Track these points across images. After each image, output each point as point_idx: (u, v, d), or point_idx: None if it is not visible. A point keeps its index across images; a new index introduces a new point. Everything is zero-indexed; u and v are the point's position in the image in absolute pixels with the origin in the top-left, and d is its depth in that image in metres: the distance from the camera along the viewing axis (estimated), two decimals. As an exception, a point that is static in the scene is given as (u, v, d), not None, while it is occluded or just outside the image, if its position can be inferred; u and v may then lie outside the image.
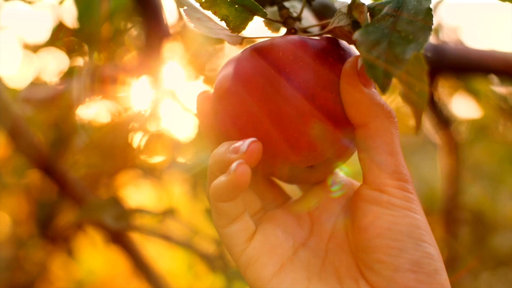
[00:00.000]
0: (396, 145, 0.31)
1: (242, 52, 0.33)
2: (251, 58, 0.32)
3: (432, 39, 0.73)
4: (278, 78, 0.31)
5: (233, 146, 0.30)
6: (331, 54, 0.32)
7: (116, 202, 0.57)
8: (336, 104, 0.31)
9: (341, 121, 0.31)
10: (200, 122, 0.34)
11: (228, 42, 0.34)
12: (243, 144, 0.30)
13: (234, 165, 0.29)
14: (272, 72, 0.31)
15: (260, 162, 0.30)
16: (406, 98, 0.36)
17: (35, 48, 0.70)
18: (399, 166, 0.30)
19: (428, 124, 1.20)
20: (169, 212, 0.60)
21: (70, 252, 0.85)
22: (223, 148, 0.31)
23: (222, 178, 0.30)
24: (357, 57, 0.31)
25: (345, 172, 0.36)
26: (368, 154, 0.31)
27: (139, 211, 0.58)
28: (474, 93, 0.81)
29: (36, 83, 0.68)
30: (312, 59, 0.31)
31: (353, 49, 0.34)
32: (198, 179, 0.68)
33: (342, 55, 0.32)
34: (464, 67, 0.69)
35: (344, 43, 0.33)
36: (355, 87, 0.31)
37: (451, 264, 0.95)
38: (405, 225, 0.29)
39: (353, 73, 0.31)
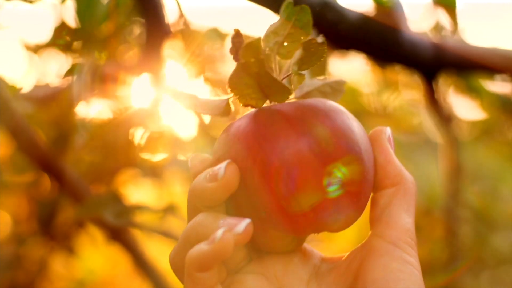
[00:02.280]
0: (414, 207, 0.32)
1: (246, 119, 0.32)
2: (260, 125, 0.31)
3: (433, 37, 0.73)
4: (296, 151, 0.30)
5: (227, 222, 0.29)
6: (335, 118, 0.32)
7: (116, 199, 0.57)
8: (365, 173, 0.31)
9: (367, 189, 0.32)
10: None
11: (215, 115, 0.33)
12: (240, 226, 0.29)
13: (219, 233, 0.28)
14: (287, 146, 0.30)
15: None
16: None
17: (36, 48, 0.70)
18: (413, 225, 0.32)
19: (428, 124, 1.20)
20: (170, 209, 0.60)
21: (71, 250, 0.85)
22: (209, 219, 0.30)
23: (203, 247, 0.29)
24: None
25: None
26: (389, 211, 0.32)
27: (140, 207, 0.58)
28: (475, 91, 0.81)
29: (37, 82, 0.68)
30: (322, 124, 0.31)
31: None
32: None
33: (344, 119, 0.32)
34: (465, 64, 0.69)
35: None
36: (388, 149, 0.33)
37: (451, 262, 0.95)
38: (411, 282, 0.30)
39: (385, 136, 0.33)
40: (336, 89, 0.37)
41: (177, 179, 0.74)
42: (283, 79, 0.33)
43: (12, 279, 0.84)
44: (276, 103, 0.32)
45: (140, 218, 0.62)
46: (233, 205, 0.31)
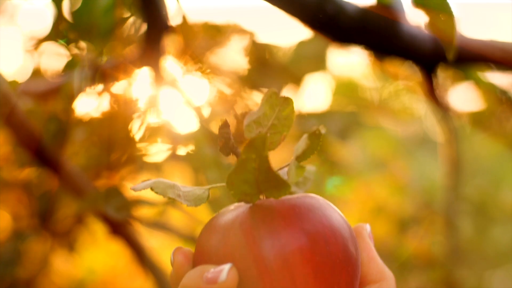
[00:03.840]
0: None
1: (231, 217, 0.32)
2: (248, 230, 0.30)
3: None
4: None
5: None
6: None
7: (117, 193, 0.57)
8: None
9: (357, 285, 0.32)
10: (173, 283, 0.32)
11: (191, 205, 0.33)
12: None
13: None
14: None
15: None
16: (433, 28, 0.36)
17: (36, 43, 0.70)
18: None
19: (428, 122, 1.20)
20: (170, 203, 0.60)
21: (71, 247, 0.85)
22: None
23: None
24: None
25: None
26: None
27: (141, 201, 0.58)
28: (474, 83, 0.82)
29: (36, 76, 0.68)
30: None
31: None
32: (199, 171, 0.68)
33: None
34: (464, 57, 0.69)
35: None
36: (370, 246, 0.34)
37: (451, 256, 0.96)
38: None
39: (366, 233, 0.34)
40: (307, 178, 0.38)
41: (176, 173, 0.75)
42: (278, 170, 0.33)
43: (13, 277, 0.84)
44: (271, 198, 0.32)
45: (141, 212, 0.62)
46: None
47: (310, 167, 0.38)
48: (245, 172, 0.30)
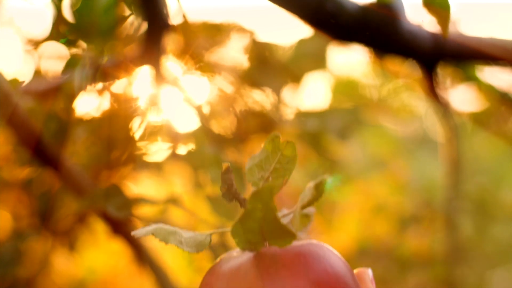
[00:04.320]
0: None
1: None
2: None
3: (431, 28, 0.73)
4: None
5: None
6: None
7: (118, 191, 0.57)
8: None
9: None
10: None
11: (193, 252, 0.33)
12: None
13: None
14: None
15: None
16: (428, 7, 0.36)
17: (36, 43, 0.70)
18: None
19: (428, 121, 1.21)
20: (171, 201, 0.60)
21: (72, 247, 0.85)
22: None
23: None
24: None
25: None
26: None
27: (142, 200, 0.58)
28: (474, 83, 0.82)
29: (36, 75, 0.68)
30: None
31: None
32: (200, 170, 0.68)
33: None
34: (464, 54, 0.69)
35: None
36: None
37: (452, 254, 0.96)
38: None
39: (368, 277, 0.35)
40: (309, 219, 0.38)
41: (177, 172, 0.75)
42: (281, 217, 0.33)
43: (13, 276, 0.83)
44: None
45: (142, 211, 0.62)
46: None
47: (311, 208, 0.38)
48: (250, 222, 0.30)
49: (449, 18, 0.36)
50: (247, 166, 0.34)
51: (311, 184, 0.32)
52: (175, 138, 0.69)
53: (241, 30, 0.76)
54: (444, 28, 0.36)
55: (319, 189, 0.32)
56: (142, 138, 0.67)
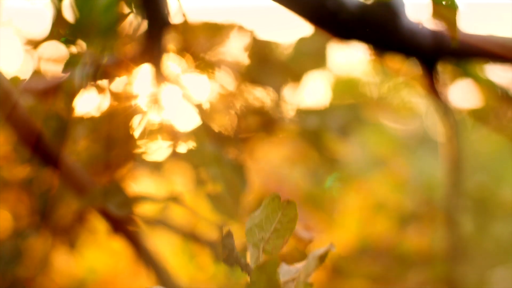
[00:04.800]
0: None
1: None
2: None
3: (431, 26, 0.73)
4: None
5: None
6: None
7: (118, 189, 0.57)
8: None
9: None
10: None
11: None
12: None
13: None
14: None
15: None
16: (437, 14, 0.36)
17: (36, 43, 0.70)
18: None
19: (428, 119, 1.21)
20: (172, 199, 0.60)
21: (72, 245, 0.85)
22: None
23: None
24: None
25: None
26: None
27: (143, 198, 0.58)
28: (474, 80, 0.82)
29: (36, 74, 0.68)
30: None
31: None
32: (200, 168, 0.68)
33: None
34: (463, 52, 0.69)
35: None
36: None
37: (452, 252, 0.96)
38: None
39: None
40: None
41: (178, 170, 0.75)
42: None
43: (13, 276, 0.83)
44: None
45: (143, 209, 0.62)
46: None
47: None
48: None
49: (457, 19, 0.36)
50: (247, 227, 0.34)
51: (315, 253, 0.32)
52: (175, 136, 0.69)
53: (241, 29, 0.76)
54: (452, 29, 0.36)
55: (322, 259, 0.31)
56: (142, 136, 0.67)
